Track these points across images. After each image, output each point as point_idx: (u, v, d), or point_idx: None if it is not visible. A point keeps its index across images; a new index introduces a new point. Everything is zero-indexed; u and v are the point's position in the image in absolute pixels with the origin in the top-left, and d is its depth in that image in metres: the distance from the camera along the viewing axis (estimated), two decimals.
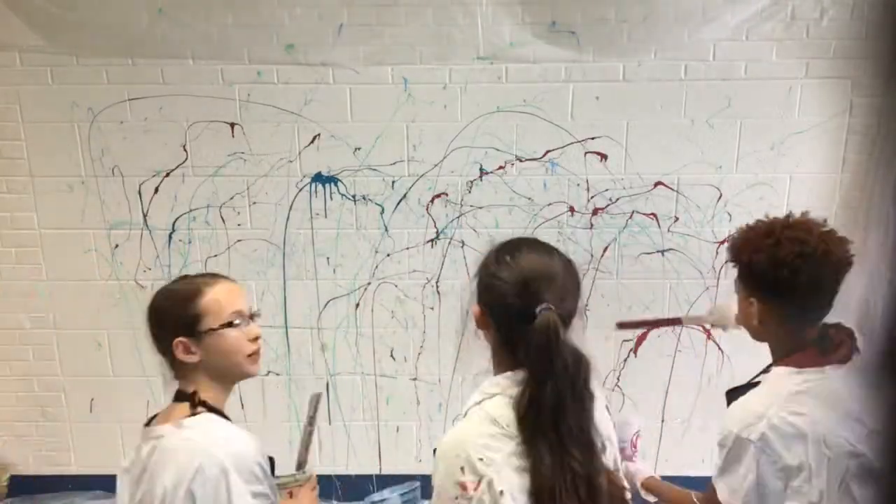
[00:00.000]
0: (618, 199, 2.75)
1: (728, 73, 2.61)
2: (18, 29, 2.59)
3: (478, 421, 1.15)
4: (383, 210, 2.77)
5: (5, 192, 2.77)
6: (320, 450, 3.00)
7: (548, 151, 2.71)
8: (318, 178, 2.75)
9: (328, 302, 2.86)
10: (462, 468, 1.11)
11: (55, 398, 2.96)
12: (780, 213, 1.46)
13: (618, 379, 2.90)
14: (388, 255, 2.81)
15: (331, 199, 2.76)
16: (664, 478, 1.76)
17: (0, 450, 3.01)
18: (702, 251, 2.78)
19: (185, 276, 1.45)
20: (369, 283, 2.83)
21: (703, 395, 2.90)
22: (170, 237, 2.80)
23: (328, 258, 2.82)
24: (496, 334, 1.20)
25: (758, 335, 1.50)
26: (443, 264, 2.81)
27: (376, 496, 1.75)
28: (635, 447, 1.72)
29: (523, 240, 1.24)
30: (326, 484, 3.03)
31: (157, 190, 2.76)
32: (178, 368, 1.38)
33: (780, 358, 1.47)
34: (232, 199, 2.76)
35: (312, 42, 2.60)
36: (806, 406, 1.36)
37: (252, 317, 1.42)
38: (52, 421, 2.98)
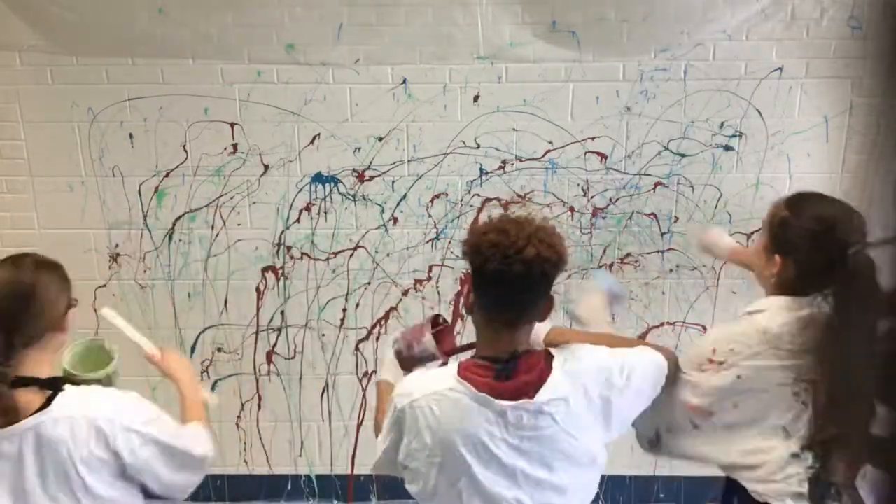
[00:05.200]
0: (618, 199, 2.75)
1: (728, 73, 2.61)
2: (18, 29, 2.59)
3: None
4: (383, 210, 2.77)
5: (5, 192, 2.77)
6: (320, 450, 3.00)
7: (548, 151, 2.71)
8: (318, 178, 2.75)
9: (328, 302, 2.86)
10: None
11: None
12: None
13: None
14: (388, 255, 2.81)
15: (331, 199, 2.77)
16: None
17: None
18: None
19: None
20: (369, 283, 2.83)
21: None
22: (170, 237, 2.80)
23: (328, 258, 2.82)
24: None
25: None
26: (443, 264, 2.81)
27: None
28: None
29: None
30: (327, 484, 3.03)
31: (156, 190, 2.76)
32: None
33: None
34: (232, 198, 2.77)
35: (312, 42, 2.60)
36: None
37: None
38: None
